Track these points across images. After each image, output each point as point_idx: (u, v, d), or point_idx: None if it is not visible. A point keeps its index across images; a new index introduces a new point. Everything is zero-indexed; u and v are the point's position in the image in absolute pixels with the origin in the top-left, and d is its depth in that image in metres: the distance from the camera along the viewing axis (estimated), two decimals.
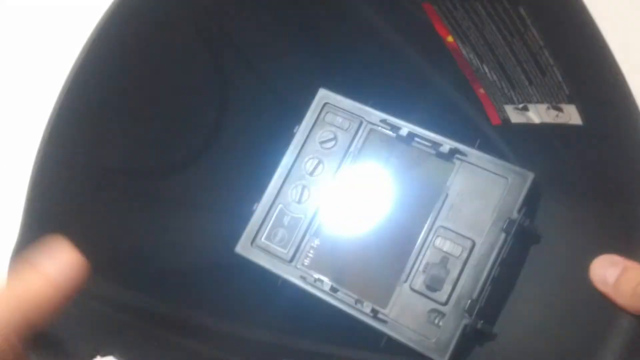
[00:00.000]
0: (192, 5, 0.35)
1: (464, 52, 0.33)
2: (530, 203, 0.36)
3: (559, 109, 0.32)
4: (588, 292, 0.31)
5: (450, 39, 0.33)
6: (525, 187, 0.36)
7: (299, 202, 0.39)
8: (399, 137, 0.39)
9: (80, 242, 0.24)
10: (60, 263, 0.23)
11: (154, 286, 0.34)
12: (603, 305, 0.30)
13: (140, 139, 0.36)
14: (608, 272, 0.29)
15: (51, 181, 0.29)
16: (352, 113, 0.40)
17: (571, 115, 0.32)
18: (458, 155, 0.37)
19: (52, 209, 0.29)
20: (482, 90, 0.35)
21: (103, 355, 0.25)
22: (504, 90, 0.34)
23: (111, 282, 0.30)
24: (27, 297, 0.22)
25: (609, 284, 0.29)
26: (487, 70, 0.34)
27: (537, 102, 0.33)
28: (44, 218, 0.28)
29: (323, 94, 0.41)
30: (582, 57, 0.28)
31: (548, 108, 0.33)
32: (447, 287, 0.35)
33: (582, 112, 0.31)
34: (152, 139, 0.37)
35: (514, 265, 0.36)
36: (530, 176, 0.36)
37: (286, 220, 0.39)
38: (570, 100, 0.31)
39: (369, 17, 0.36)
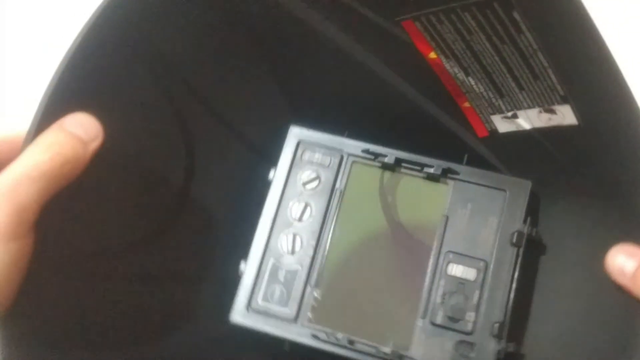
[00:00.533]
0: (148, 57, 0.31)
1: (447, 66, 0.32)
2: (532, 212, 0.35)
3: (552, 112, 0.32)
4: (605, 294, 0.31)
5: (432, 55, 0.31)
6: (525, 196, 0.35)
7: (292, 252, 0.36)
8: (385, 165, 0.36)
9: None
10: (83, 124, 0.26)
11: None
12: (623, 304, 0.29)
13: (105, 216, 0.31)
14: (626, 263, 0.28)
15: None
16: (330, 147, 0.37)
17: (565, 115, 0.31)
18: (450, 175, 0.36)
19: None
20: (466, 104, 0.34)
21: None
22: (491, 101, 0.33)
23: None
24: (58, 151, 0.24)
25: (626, 275, 0.28)
26: (473, 82, 0.32)
27: (528, 107, 0.32)
28: None
29: (295, 132, 0.38)
30: (579, 55, 0.27)
31: (540, 112, 0.32)
32: (470, 315, 0.33)
33: (578, 111, 0.30)
34: (116, 214, 0.32)
35: (527, 278, 0.35)
36: (528, 185, 0.35)
37: (281, 274, 0.35)
38: (564, 101, 0.30)
39: (338, 42, 0.33)
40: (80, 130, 0.26)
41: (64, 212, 0.26)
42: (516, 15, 0.27)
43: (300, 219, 0.36)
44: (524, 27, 0.27)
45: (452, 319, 0.33)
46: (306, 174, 0.37)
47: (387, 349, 0.33)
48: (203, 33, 0.33)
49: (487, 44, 0.29)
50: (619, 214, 0.31)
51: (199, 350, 0.35)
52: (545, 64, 0.29)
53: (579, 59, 0.28)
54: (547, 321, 0.34)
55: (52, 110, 0.27)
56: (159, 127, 0.33)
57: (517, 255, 0.33)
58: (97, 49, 0.28)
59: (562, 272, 0.35)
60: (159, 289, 0.34)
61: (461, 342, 0.33)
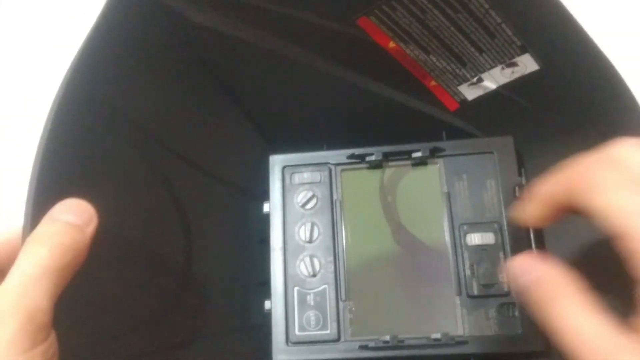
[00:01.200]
0: (120, 126, 0.30)
1: (408, 51, 0.33)
2: (522, 165, 0.36)
3: (514, 64, 0.33)
4: None
5: (391, 44, 0.33)
6: (512, 151, 0.36)
7: (314, 274, 0.35)
8: (374, 164, 0.37)
9: None
10: (74, 210, 0.24)
11: None
12: None
13: (117, 297, 0.30)
14: (521, 279, 0.24)
15: None
16: (316, 163, 0.37)
17: (526, 64, 0.33)
18: (437, 154, 0.36)
19: None
20: (433, 83, 0.35)
21: None
22: (455, 72, 0.34)
23: None
24: (56, 242, 0.23)
25: (520, 290, 0.25)
26: (434, 59, 0.34)
27: (490, 67, 0.34)
28: None
29: (276, 160, 0.38)
30: (528, 3, 0.29)
31: (502, 68, 0.34)
32: (502, 276, 0.34)
33: (537, 56, 0.32)
34: (118, 299, 0.31)
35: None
36: (510, 140, 0.36)
37: (310, 299, 0.35)
38: (522, 50, 0.32)
39: (297, 59, 0.34)
40: (73, 216, 0.25)
41: (71, 300, 0.25)
42: None
43: (310, 240, 0.36)
44: None
45: (486, 286, 0.34)
46: (301, 196, 0.37)
47: (437, 335, 0.33)
48: (170, 88, 0.32)
49: (442, 18, 0.31)
50: (596, 139, 0.33)
51: None
52: (499, 20, 0.30)
53: (529, 6, 0.29)
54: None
55: (42, 201, 0.26)
56: (145, 196, 0.33)
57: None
58: (69, 129, 0.27)
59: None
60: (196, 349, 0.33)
61: (502, 304, 0.33)
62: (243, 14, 0.30)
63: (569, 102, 0.33)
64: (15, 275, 0.22)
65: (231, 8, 0.30)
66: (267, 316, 0.35)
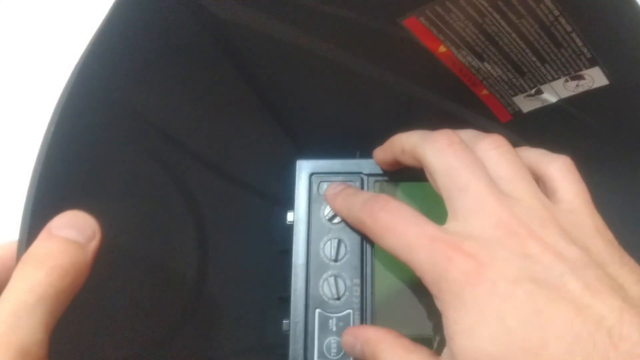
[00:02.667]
0: (137, 129, 0.27)
1: (459, 57, 0.29)
2: None
3: (580, 77, 0.29)
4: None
5: (442, 48, 0.29)
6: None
7: (338, 297, 0.32)
8: (410, 177, 0.33)
9: None
10: (76, 224, 0.22)
11: None
12: None
13: (122, 320, 0.27)
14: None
15: None
16: (347, 172, 0.34)
17: (594, 78, 0.29)
18: None
19: None
20: (485, 92, 0.31)
21: None
22: (511, 82, 0.30)
23: None
24: (53, 264, 0.20)
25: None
26: (489, 67, 0.30)
27: (552, 79, 0.30)
28: None
29: (304, 166, 0.34)
30: (604, 11, 0.25)
31: (566, 81, 0.30)
32: None
33: (607, 70, 0.28)
34: (132, 316, 0.28)
35: None
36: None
37: (332, 324, 0.32)
38: (592, 63, 0.28)
39: (338, 60, 0.30)
40: (74, 233, 0.22)
41: (72, 325, 0.22)
42: None
43: (336, 259, 0.33)
44: None
45: None
46: (329, 208, 0.33)
47: None
48: (191, 88, 0.29)
49: (503, 23, 0.26)
50: None
51: None
52: (569, 29, 0.26)
53: (604, 15, 0.25)
54: None
55: (41, 211, 0.23)
56: (159, 203, 0.30)
57: None
58: (74, 129, 0.25)
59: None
60: None
61: None
62: (278, 9, 0.27)
63: (635, 127, 0.29)
64: (7, 303, 0.20)
65: (266, 3, 0.26)
66: (284, 337, 0.32)
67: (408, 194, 0.34)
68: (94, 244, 0.22)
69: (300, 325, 0.32)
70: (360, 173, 0.34)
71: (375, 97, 0.32)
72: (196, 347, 0.30)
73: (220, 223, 0.33)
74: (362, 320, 0.32)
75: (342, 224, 0.33)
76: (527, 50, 0.28)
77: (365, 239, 0.33)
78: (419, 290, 0.32)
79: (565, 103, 0.31)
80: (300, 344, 0.32)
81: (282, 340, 0.32)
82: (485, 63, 0.29)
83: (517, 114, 0.32)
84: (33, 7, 0.49)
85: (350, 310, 0.32)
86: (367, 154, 0.34)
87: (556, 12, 0.25)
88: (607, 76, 0.28)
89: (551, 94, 0.31)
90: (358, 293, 0.32)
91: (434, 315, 0.31)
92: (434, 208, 0.33)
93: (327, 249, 0.33)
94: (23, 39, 0.48)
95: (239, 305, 0.35)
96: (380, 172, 0.34)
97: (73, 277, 0.21)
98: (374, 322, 0.32)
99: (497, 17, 0.26)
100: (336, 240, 0.33)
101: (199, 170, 0.32)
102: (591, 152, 0.33)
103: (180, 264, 0.30)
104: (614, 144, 0.32)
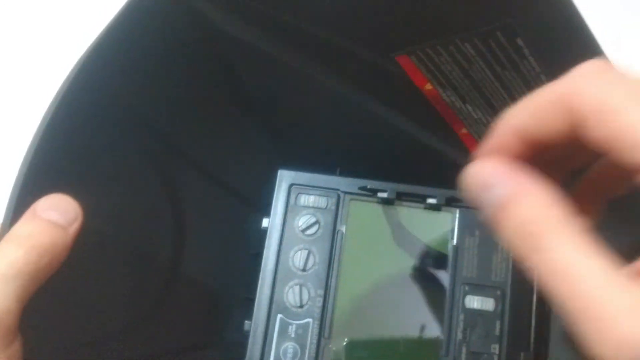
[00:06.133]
0: (126, 119, 0.28)
1: (444, 96, 0.31)
2: None
3: None
4: None
5: (428, 86, 0.30)
6: None
7: (301, 305, 0.33)
8: (385, 201, 0.35)
9: None
10: (60, 207, 0.23)
11: None
12: None
13: (97, 302, 0.28)
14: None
15: None
16: (326, 188, 0.35)
17: None
18: (453, 203, 0.34)
19: None
20: (464, 130, 0.33)
21: None
22: (489, 125, 0.32)
23: None
24: (34, 243, 0.21)
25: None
26: (470, 109, 0.31)
27: None
28: None
29: (285, 175, 0.36)
30: None
31: None
32: (494, 347, 0.32)
33: None
34: (110, 297, 0.29)
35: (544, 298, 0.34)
36: None
37: (292, 330, 0.33)
38: None
39: (327, 82, 0.32)
40: (57, 215, 0.23)
41: (52, 304, 0.23)
42: (520, 41, 0.26)
43: (304, 269, 0.34)
44: (527, 53, 0.26)
45: (476, 354, 0.32)
46: (304, 219, 0.35)
47: None
48: (183, 88, 0.30)
49: (487, 71, 0.28)
50: (629, 233, 0.31)
51: None
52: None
53: None
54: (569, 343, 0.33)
55: (26, 194, 0.24)
56: (142, 193, 0.31)
57: (534, 279, 0.32)
58: (71, 117, 0.26)
59: None
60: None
61: None
62: (276, 28, 0.28)
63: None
64: None
65: (267, 22, 0.27)
66: (245, 336, 0.33)
67: (379, 216, 0.35)
68: (75, 226, 0.23)
69: (261, 328, 0.33)
70: (338, 190, 0.35)
71: (358, 120, 0.33)
72: (165, 335, 0.32)
73: (199, 219, 0.34)
74: (321, 331, 0.33)
75: (315, 237, 0.35)
76: (508, 99, 0.30)
77: (334, 253, 0.34)
78: (381, 309, 0.34)
79: None
80: (259, 346, 0.33)
81: (242, 339, 0.34)
82: (467, 105, 0.31)
83: None
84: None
85: (311, 320, 0.33)
86: (346, 172, 0.36)
87: (538, 69, 0.27)
88: None
89: None
90: (320, 304, 0.33)
91: (395, 331, 0.33)
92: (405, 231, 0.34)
93: (297, 258, 0.34)
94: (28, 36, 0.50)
95: (208, 298, 0.36)
96: (356, 191, 0.35)
97: (51, 256, 0.22)
98: (331, 333, 0.33)
99: (483, 65, 0.28)
100: (306, 251, 0.34)
101: (183, 166, 0.33)
102: None
103: (158, 251, 0.31)
104: None
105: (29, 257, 0.21)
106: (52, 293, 0.22)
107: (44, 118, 0.25)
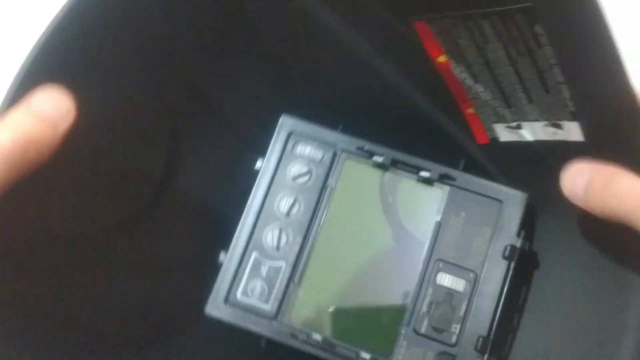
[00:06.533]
0: (135, 33, 0.29)
1: (456, 71, 0.30)
2: (527, 225, 0.34)
3: (558, 126, 0.30)
4: (595, 312, 0.30)
5: (442, 58, 0.30)
6: (521, 209, 0.34)
7: (277, 248, 0.34)
8: (380, 165, 0.35)
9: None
10: (54, 101, 0.23)
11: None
12: (609, 326, 0.28)
13: (78, 200, 0.29)
14: (577, 183, 0.27)
15: None
16: (324, 141, 0.36)
17: (572, 131, 0.30)
18: (446, 180, 0.34)
19: None
20: (470, 110, 0.33)
21: None
22: (496, 109, 0.32)
23: None
24: (23, 133, 0.22)
25: (580, 197, 0.26)
26: (480, 89, 0.31)
27: (534, 120, 0.31)
28: None
29: (287, 122, 0.36)
30: (597, 75, 0.26)
31: (545, 125, 0.31)
32: (455, 327, 0.32)
33: (585, 129, 0.29)
34: (88, 200, 0.30)
35: (516, 292, 0.34)
36: (524, 197, 0.34)
37: (264, 270, 0.34)
38: (573, 118, 0.29)
39: (341, 35, 0.31)
40: (49, 109, 0.23)
41: (28, 194, 0.24)
42: (538, 28, 0.25)
43: (288, 214, 0.35)
44: (544, 41, 0.26)
45: (436, 329, 0.33)
46: (296, 168, 0.35)
47: (366, 355, 0.32)
48: (195, 13, 0.30)
49: (502, 54, 0.28)
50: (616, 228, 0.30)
51: (174, 342, 0.34)
52: (560, 80, 0.27)
53: (597, 79, 0.26)
54: (534, 337, 0.34)
55: (27, 83, 0.25)
56: (140, 109, 0.31)
57: (508, 269, 0.33)
58: (81, 21, 0.26)
59: (553, 287, 0.34)
60: (137, 278, 0.33)
61: (443, 353, 0.32)
62: None
63: None
64: None
65: None
66: (217, 267, 0.35)
67: (370, 178, 0.35)
68: (66, 124, 0.24)
69: (235, 261, 0.34)
70: (336, 146, 0.35)
71: (366, 80, 0.33)
72: (146, 246, 0.33)
73: (193, 144, 0.35)
74: (292, 276, 0.34)
75: (304, 186, 0.35)
76: (518, 87, 0.29)
77: (320, 205, 0.35)
78: (353, 267, 0.34)
79: (540, 145, 0.32)
80: (229, 278, 0.34)
81: (215, 270, 0.35)
82: (477, 85, 0.31)
83: (494, 140, 0.34)
84: None
85: (284, 263, 0.34)
86: (348, 129, 0.36)
87: (553, 61, 0.27)
88: (584, 134, 0.30)
89: (529, 133, 0.32)
90: (296, 250, 0.34)
91: (364, 291, 0.34)
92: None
93: (283, 203, 0.35)
94: None
95: (191, 224, 0.37)
96: (353, 150, 0.35)
97: (37, 150, 0.23)
98: (301, 281, 0.34)
99: (499, 46, 0.27)
100: (293, 198, 0.35)
101: (185, 91, 0.33)
102: (555, 197, 0.34)
103: (151, 168, 0.32)
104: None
105: (15, 145, 0.22)
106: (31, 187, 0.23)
107: (57, 15, 0.26)
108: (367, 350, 0.32)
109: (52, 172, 0.23)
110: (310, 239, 0.34)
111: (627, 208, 0.23)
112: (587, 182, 0.26)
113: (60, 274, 0.28)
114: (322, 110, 0.35)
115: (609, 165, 0.25)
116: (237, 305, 0.34)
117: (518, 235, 0.33)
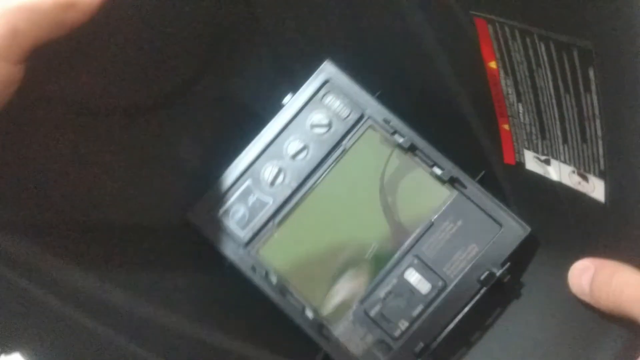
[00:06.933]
0: None
1: (503, 82, 0.28)
2: (518, 256, 0.33)
3: (585, 178, 0.28)
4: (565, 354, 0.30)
5: (493, 64, 0.28)
6: (517, 241, 0.32)
7: (272, 184, 0.35)
8: (398, 146, 0.34)
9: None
10: None
11: (79, 243, 0.29)
12: None
13: (116, 72, 0.30)
14: (583, 280, 0.28)
15: None
16: (355, 101, 0.35)
17: (596, 189, 0.28)
18: (456, 185, 0.33)
19: None
20: (506, 126, 0.31)
21: (8, 352, 0.21)
22: (531, 136, 0.30)
23: (30, 240, 0.25)
24: None
25: (586, 292, 0.28)
26: (521, 110, 0.29)
27: (563, 161, 0.29)
28: None
29: (327, 68, 0.35)
30: (634, 142, 0.24)
31: (573, 172, 0.29)
32: (403, 323, 0.32)
33: (610, 191, 0.27)
34: (126, 71, 0.31)
35: (485, 317, 0.33)
36: (526, 231, 0.32)
37: (251, 199, 0.35)
38: (601, 176, 0.27)
39: (404, 7, 0.30)
40: None
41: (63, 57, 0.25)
42: (591, 73, 0.23)
43: (293, 157, 0.35)
44: (593, 88, 0.24)
45: (385, 318, 0.33)
46: (318, 117, 0.35)
47: (310, 314, 0.33)
48: None
49: (551, 84, 0.26)
50: None
51: (146, 233, 0.35)
52: (599, 134, 0.25)
53: (633, 144, 0.24)
54: None
55: None
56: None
57: (477, 293, 0.32)
58: None
59: (530, 319, 0.33)
60: (146, 159, 0.34)
61: (382, 341, 0.33)
62: None
63: (606, 247, 0.29)
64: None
65: None
66: (212, 180, 0.35)
67: (385, 153, 0.34)
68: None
69: (229, 181, 0.35)
70: (365, 110, 0.35)
71: (414, 61, 0.32)
72: (175, 130, 0.33)
73: (234, 54, 0.35)
74: (273, 215, 0.34)
75: (318, 138, 0.35)
76: (558, 123, 0.27)
77: (326, 161, 0.34)
78: (337, 228, 0.34)
79: (561, 189, 0.30)
80: (219, 194, 0.35)
81: (210, 182, 0.35)
82: (520, 104, 0.29)
83: (520, 165, 0.32)
84: None
85: (272, 201, 0.34)
86: (385, 97, 0.35)
87: (597, 112, 0.24)
88: (606, 196, 0.28)
89: (555, 172, 0.30)
90: (287, 194, 0.34)
91: (335, 257, 0.34)
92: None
93: (292, 145, 0.35)
94: None
95: (213, 125, 0.37)
96: (379, 121, 0.34)
97: (76, 14, 0.23)
98: (282, 223, 0.34)
99: (549, 76, 0.25)
100: (303, 144, 0.35)
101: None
102: (551, 233, 0.33)
103: (189, 53, 0.32)
104: (578, 247, 0.31)
105: (56, 4, 0.23)
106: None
107: None
108: (313, 310, 0.33)
109: (91, 38, 0.24)
110: (305, 188, 0.34)
111: (626, 300, 0.25)
112: (591, 279, 0.27)
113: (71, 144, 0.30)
114: (365, 70, 0.34)
115: (611, 261, 0.27)
116: (216, 221, 0.35)
117: (502, 264, 0.32)
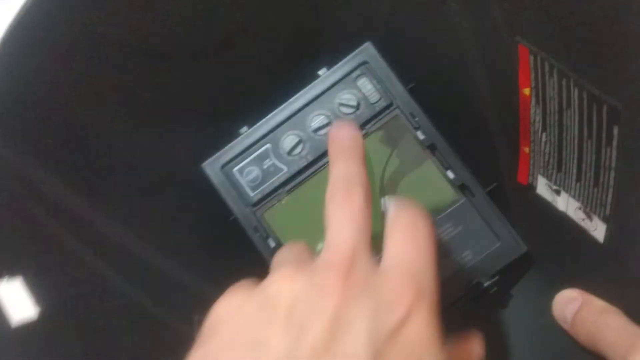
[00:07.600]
0: None
1: (532, 111, 0.29)
2: (509, 272, 0.34)
3: (589, 217, 0.29)
4: None
5: (527, 91, 0.28)
6: (511, 257, 0.33)
7: (289, 153, 0.35)
8: (419, 141, 0.34)
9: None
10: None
11: (100, 186, 0.30)
12: None
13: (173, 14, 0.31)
14: (567, 309, 0.29)
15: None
16: (387, 89, 0.35)
17: (597, 229, 0.29)
18: (466, 191, 0.34)
19: None
20: (526, 149, 0.31)
21: (11, 277, 0.23)
22: (547, 165, 0.30)
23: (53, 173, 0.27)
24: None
25: (567, 322, 0.29)
26: (544, 139, 0.29)
27: (573, 196, 0.30)
28: None
29: (368, 50, 0.35)
30: None
31: (579, 208, 0.30)
32: None
33: (610, 235, 0.28)
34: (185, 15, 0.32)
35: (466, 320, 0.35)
36: (522, 250, 0.33)
37: (267, 163, 0.36)
38: (605, 220, 0.28)
39: (452, 16, 0.30)
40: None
41: None
42: (616, 130, 0.23)
43: (315, 131, 0.35)
44: (614, 144, 0.24)
45: None
46: (347, 97, 0.35)
47: None
48: None
49: (576, 127, 0.26)
50: None
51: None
52: (611, 183, 0.26)
53: None
54: None
55: None
56: None
57: (459, 299, 0.33)
58: None
59: (499, 332, 0.35)
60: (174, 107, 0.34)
61: None
62: None
63: (598, 283, 0.30)
64: None
65: None
66: (234, 135, 0.36)
67: (402, 140, 0.35)
68: None
69: (249, 141, 0.36)
70: (395, 99, 0.35)
71: (453, 67, 0.32)
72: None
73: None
74: (285, 183, 0.35)
75: (344, 116, 0.35)
76: (575, 162, 0.28)
77: None
78: None
79: (565, 220, 0.31)
80: (237, 151, 0.36)
81: (231, 137, 0.36)
82: (544, 133, 0.29)
83: (531, 187, 0.32)
84: None
85: (286, 169, 0.35)
86: (415, 93, 0.35)
87: (613, 165, 0.25)
88: (605, 238, 0.28)
89: (563, 204, 0.31)
90: (302, 165, 0.35)
91: None
92: None
93: (317, 119, 0.35)
94: None
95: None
96: (406, 112, 0.34)
97: None
98: (291, 192, 0.35)
99: (576, 119, 0.25)
100: (327, 120, 0.35)
101: None
102: (548, 263, 0.34)
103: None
104: (570, 275, 0.32)
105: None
106: None
107: None
108: None
109: None
110: (320, 163, 0.35)
111: (604, 341, 0.26)
112: (576, 311, 0.28)
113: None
114: (401, 60, 0.34)
115: (599, 300, 0.28)
116: (229, 176, 0.36)
117: (492, 277, 0.33)
